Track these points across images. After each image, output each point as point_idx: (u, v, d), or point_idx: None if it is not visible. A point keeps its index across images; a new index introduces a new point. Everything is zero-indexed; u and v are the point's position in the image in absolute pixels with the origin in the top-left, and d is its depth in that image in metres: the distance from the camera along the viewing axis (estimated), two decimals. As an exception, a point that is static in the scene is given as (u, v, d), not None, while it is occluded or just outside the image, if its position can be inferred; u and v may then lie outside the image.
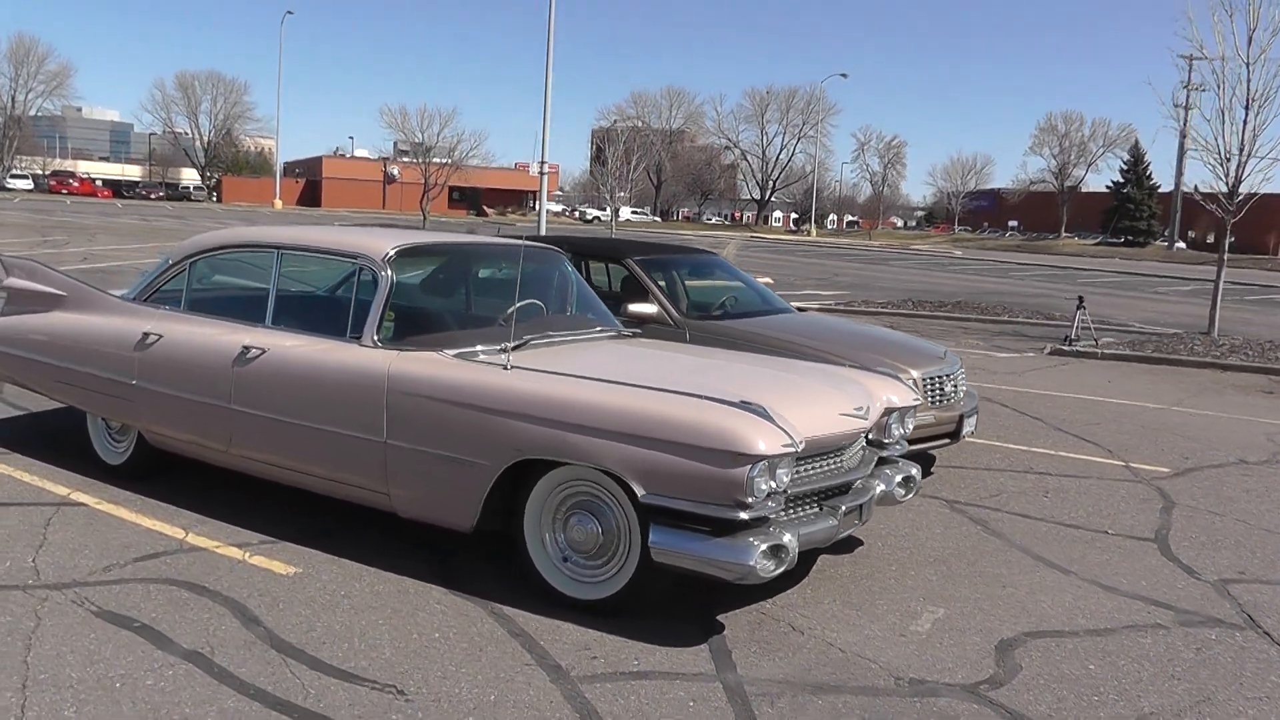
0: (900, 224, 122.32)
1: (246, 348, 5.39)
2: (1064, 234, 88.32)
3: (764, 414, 4.29)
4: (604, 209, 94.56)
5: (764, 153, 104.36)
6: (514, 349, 5.02)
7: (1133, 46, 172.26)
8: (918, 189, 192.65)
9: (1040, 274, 38.71)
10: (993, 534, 6.23)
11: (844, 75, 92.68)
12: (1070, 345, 14.69)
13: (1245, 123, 14.30)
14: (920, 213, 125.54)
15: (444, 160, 47.02)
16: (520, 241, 6.12)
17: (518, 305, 5.03)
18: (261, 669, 3.93)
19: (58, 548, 5.06)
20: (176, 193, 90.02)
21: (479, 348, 5.05)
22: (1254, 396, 12.07)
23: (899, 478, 5.27)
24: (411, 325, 5.17)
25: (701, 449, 4.16)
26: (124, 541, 5.20)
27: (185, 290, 5.98)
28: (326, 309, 5.81)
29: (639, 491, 4.26)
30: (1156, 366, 13.91)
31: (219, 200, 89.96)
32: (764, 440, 4.15)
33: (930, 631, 4.68)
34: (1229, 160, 14.54)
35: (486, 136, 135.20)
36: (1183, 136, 69.42)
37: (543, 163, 28.50)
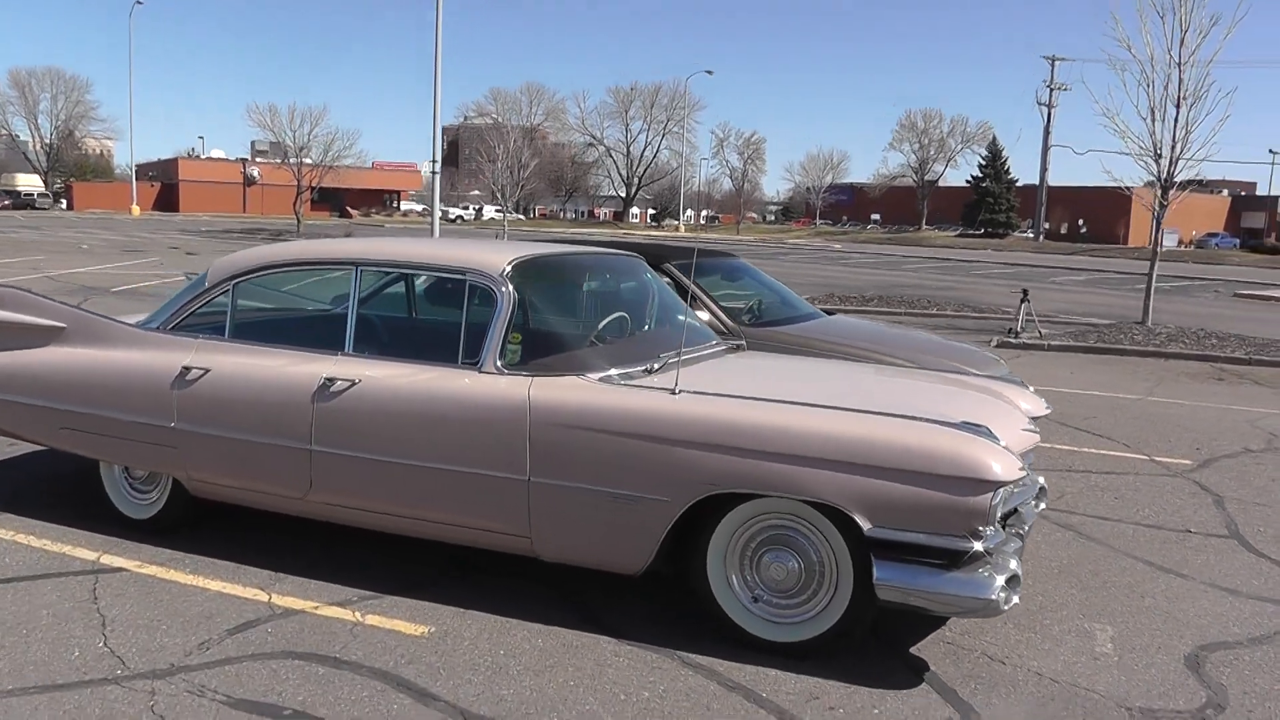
0: (760, 219, 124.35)
1: (330, 380, 4.70)
2: (924, 226, 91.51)
3: (992, 437, 3.95)
4: (466, 208, 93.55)
5: (629, 149, 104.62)
6: (658, 370, 4.55)
7: (991, 47, 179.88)
8: (774, 184, 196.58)
9: (931, 267, 39.60)
10: (1090, 540, 6.06)
11: (709, 72, 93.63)
12: (1016, 338, 14.87)
13: (1176, 120, 14.74)
14: (774, 207, 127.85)
15: (318, 161, 45.05)
16: (618, 251, 5.59)
17: (650, 322, 4.54)
18: (480, 756, 3.35)
19: (126, 626, 4.30)
20: (20, 200, 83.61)
21: (614, 371, 4.53)
22: (1210, 384, 12.39)
23: (1037, 491, 5.00)
24: (538, 348, 4.58)
25: (939, 477, 3.81)
26: (202, 611, 4.46)
27: (229, 316, 5.21)
28: (424, 333, 5.16)
29: (864, 525, 3.87)
30: (1103, 356, 14.19)
31: (70, 208, 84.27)
32: (1001, 465, 3.84)
33: (1116, 652, 4.46)
34: (1160, 157, 14.96)
35: (359, 136, 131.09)
36: (1046, 133, 73.38)
37: (435, 161, 27.52)
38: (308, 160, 44.70)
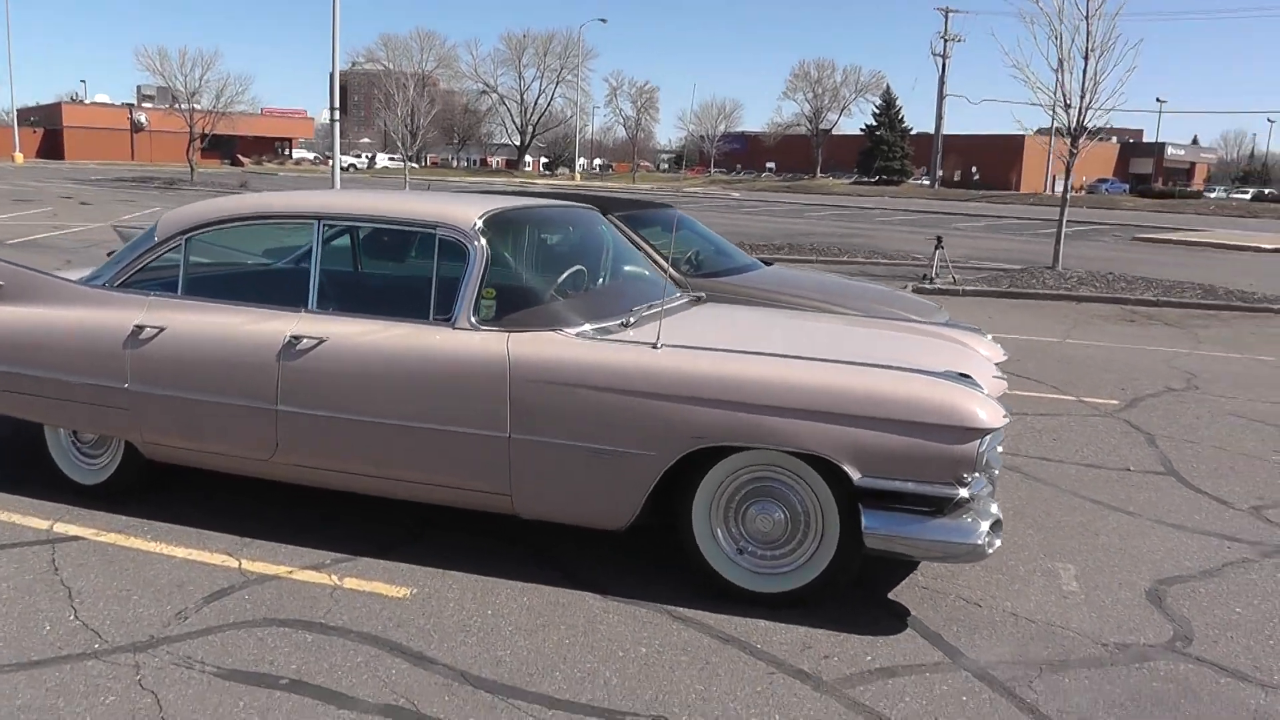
0: (654, 167, 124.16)
1: (295, 337, 4.54)
2: (819, 174, 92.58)
3: (976, 385, 4.03)
4: (359, 156, 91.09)
5: (522, 98, 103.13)
6: (634, 325, 4.52)
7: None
8: (667, 133, 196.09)
9: (833, 215, 40.10)
10: (1037, 481, 6.25)
11: (603, 20, 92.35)
12: (930, 284, 15.16)
13: (1085, 71, 15.09)
14: (666, 155, 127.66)
15: (210, 107, 43.13)
16: (576, 204, 5.49)
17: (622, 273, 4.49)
18: (492, 716, 3.31)
19: (95, 597, 4.12)
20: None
21: (590, 325, 4.46)
22: (1122, 325, 12.86)
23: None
24: (513, 303, 4.47)
25: (929, 426, 3.86)
26: (171, 579, 4.31)
27: (182, 272, 4.98)
28: (390, 288, 5.00)
29: (854, 475, 3.91)
30: (1018, 301, 14.59)
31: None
32: (987, 413, 3.92)
33: (1082, 590, 4.62)
34: (1070, 106, 15.32)
35: (252, 81, 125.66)
36: (941, 83, 74.50)
37: (333, 111, 26.65)
38: (199, 106, 42.83)
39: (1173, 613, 4.40)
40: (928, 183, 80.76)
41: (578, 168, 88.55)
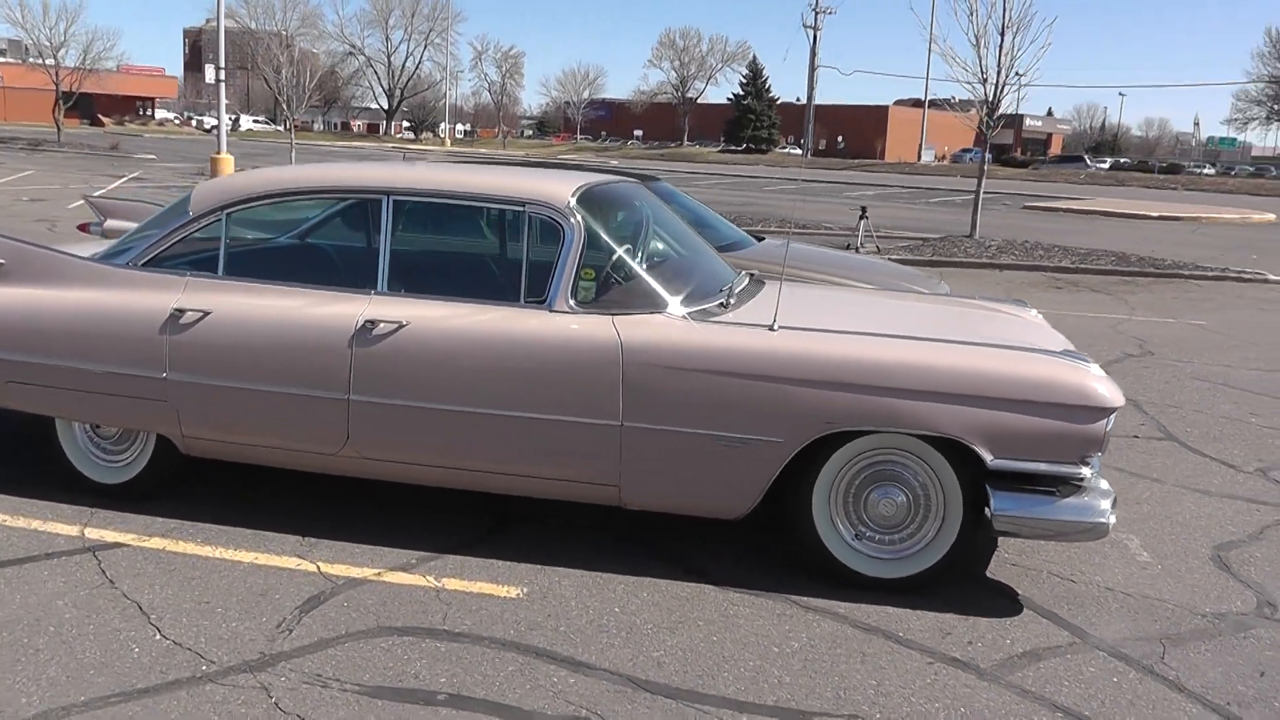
0: (518, 134, 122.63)
1: (371, 322, 4.20)
2: (686, 143, 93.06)
3: (1094, 364, 4.04)
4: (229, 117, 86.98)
5: (389, 60, 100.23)
6: (731, 305, 4.36)
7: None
8: (531, 99, 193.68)
9: (721, 184, 40.05)
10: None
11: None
12: (857, 253, 15.31)
13: (1001, 46, 15.42)
14: (528, 122, 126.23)
15: (78, 64, 40.30)
16: (631, 178, 5.24)
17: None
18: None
19: (173, 611, 3.74)
20: None
21: (692, 307, 4.26)
22: (1053, 293, 13.26)
23: None
24: (612, 284, 4.23)
25: (1060, 406, 3.85)
26: (249, 587, 3.95)
27: (223, 250, 4.55)
28: (471, 268, 4.66)
29: (986, 457, 3.85)
30: (943, 269, 14.83)
31: None
32: (1109, 391, 3.94)
33: (1155, 560, 4.70)
34: (986, 80, 15.66)
35: (120, 36, 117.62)
36: (812, 54, 75.52)
37: (219, 69, 25.19)
38: (65, 63, 40.00)
39: (1245, 578, 4.51)
40: (795, 151, 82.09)
41: (447, 132, 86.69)
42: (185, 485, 4.86)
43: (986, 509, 3.94)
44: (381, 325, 4.18)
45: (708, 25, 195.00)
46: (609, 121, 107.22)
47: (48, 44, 39.76)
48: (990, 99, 15.88)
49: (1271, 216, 29.37)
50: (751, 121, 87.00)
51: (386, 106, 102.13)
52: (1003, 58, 15.41)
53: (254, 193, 4.57)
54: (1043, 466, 3.88)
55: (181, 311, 4.40)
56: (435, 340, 4.14)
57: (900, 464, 4.07)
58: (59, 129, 40.42)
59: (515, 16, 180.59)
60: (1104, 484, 4.08)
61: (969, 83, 15.99)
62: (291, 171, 4.70)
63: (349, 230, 5.00)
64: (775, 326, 4.06)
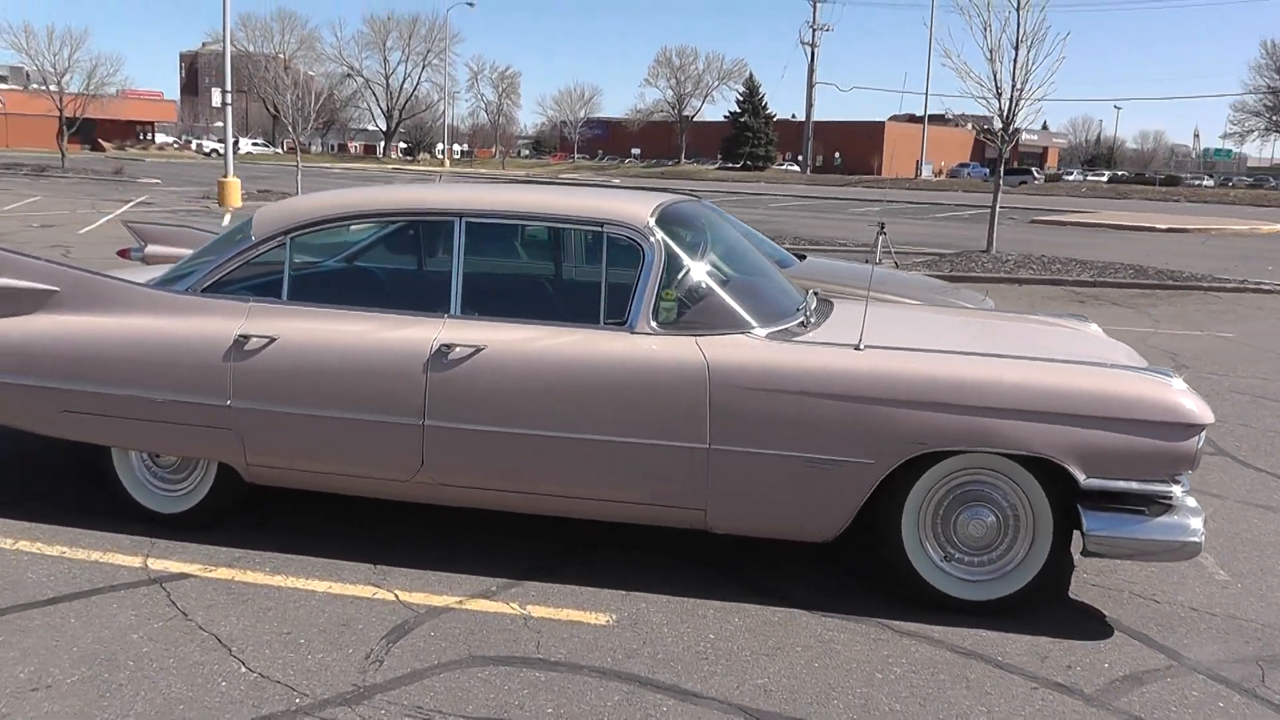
0: (516, 153, 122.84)
1: (447, 346, 4.13)
2: (683, 160, 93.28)
3: (1178, 379, 3.99)
4: (220, 141, 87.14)
5: (388, 82, 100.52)
6: (812, 324, 4.29)
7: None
8: (527, 118, 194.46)
9: (727, 202, 40.05)
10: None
11: (470, 4, 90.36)
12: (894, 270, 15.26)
13: (1015, 61, 15.42)
14: (524, 141, 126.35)
15: (82, 89, 40.25)
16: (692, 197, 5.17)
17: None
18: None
19: (254, 644, 3.65)
20: None
21: (772, 326, 4.20)
22: (1074, 306, 13.19)
23: None
24: (693, 304, 4.16)
25: (1152, 424, 3.79)
26: (329, 617, 3.86)
27: (287, 275, 4.47)
28: (546, 290, 4.59)
29: (1079, 477, 3.77)
30: (964, 285, 14.80)
31: None
32: (1199, 409, 3.86)
33: (1234, 579, 4.62)
34: (1001, 94, 15.63)
35: (123, 62, 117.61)
36: (810, 71, 75.94)
37: (225, 93, 25.25)
38: (70, 89, 39.96)
39: (1333, 596, 4.42)
40: (794, 168, 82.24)
41: (448, 153, 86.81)
42: (242, 514, 4.77)
43: (1079, 530, 3.87)
44: (458, 349, 4.10)
45: (704, 43, 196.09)
46: (605, 140, 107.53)
47: (52, 70, 39.75)
48: (1005, 113, 15.86)
49: (1279, 228, 29.41)
50: (749, 139, 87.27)
51: (385, 128, 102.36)
52: (1017, 72, 15.40)
53: (319, 216, 4.50)
54: (1134, 485, 3.82)
55: (246, 338, 4.32)
56: (515, 364, 4.06)
57: (989, 484, 4.00)
58: (63, 154, 40.34)
59: (511, 37, 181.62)
60: (1192, 502, 4.00)
61: (983, 97, 15.98)
62: (357, 194, 4.63)
63: (416, 253, 4.92)
64: (861, 346, 3.99)
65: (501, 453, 4.11)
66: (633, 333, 4.06)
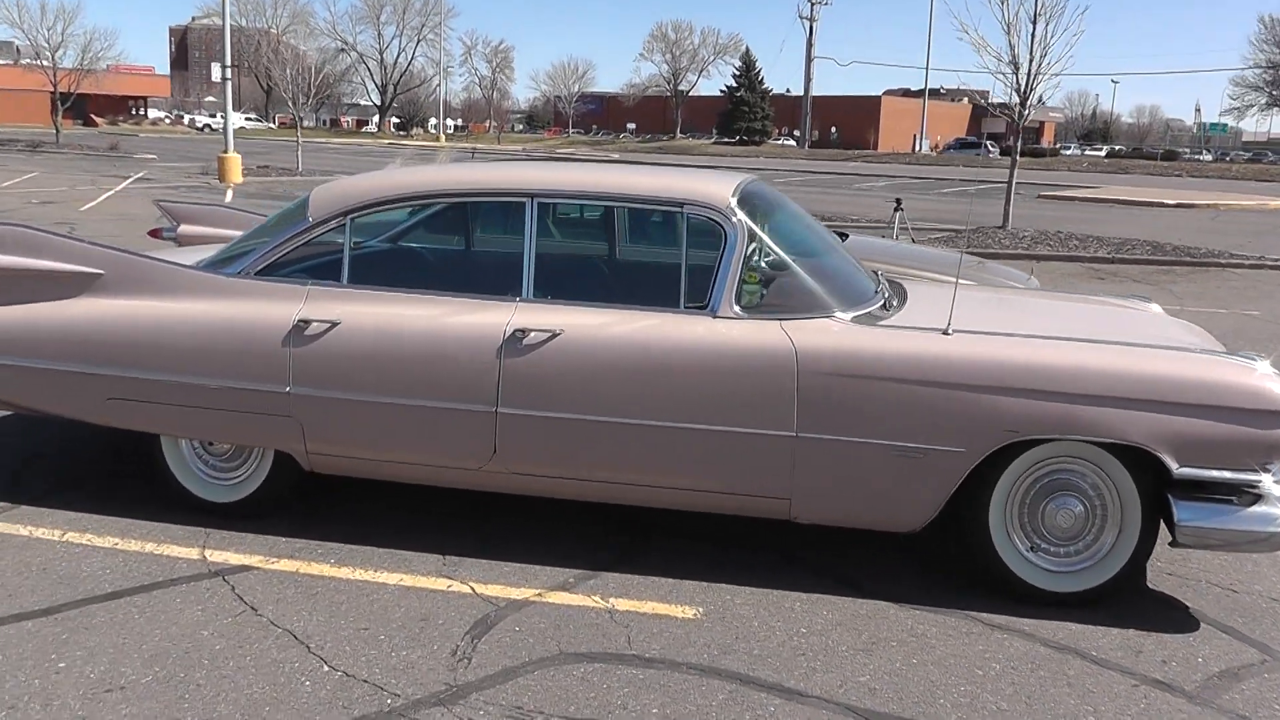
0: (511, 128, 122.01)
1: (521, 330, 4.00)
2: (679, 135, 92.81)
3: (1265, 362, 3.90)
4: (213, 115, 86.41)
5: (382, 56, 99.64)
6: (893, 308, 4.18)
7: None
8: (521, 93, 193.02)
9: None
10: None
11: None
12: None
13: (1034, 35, 15.24)
14: (517, 116, 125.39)
15: (76, 64, 39.75)
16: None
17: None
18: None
19: (332, 639, 3.54)
20: None
21: (856, 310, 4.09)
22: (1094, 283, 13.12)
23: None
24: (776, 287, 4.04)
25: (1243, 411, 3.69)
26: (408, 612, 3.74)
27: (346, 257, 4.32)
28: (622, 273, 4.45)
29: (1171, 465, 3.68)
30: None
31: None
32: None
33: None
34: (1019, 69, 15.46)
35: (118, 36, 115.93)
36: (809, 45, 75.36)
37: (225, 67, 24.90)
38: (63, 64, 39.46)
39: None
40: (790, 143, 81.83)
41: (443, 128, 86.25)
42: (295, 504, 4.64)
43: (1166, 520, 3.79)
44: (533, 334, 3.97)
45: (699, 18, 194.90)
46: (600, 115, 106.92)
47: (45, 45, 39.23)
48: (1022, 88, 15.68)
49: (1287, 203, 29.33)
50: (745, 113, 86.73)
51: (379, 103, 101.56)
52: (1035, 46, 15.22)
53: (381, 197, 4.35)
54: (1226, 474, 3.72)
55: (306, 322, 4.18)
56: (593, 348, 3.93)
57: (1075, 473, 3.91)
58: (58, 130, 39.87)
59: (504, 10, 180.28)
60: (1279, 490, 3.89)
61: (1000, 73, 15.79)
62: (420, 174, 4.47)
63: (482, 234, 4.78)
64: (949, 330, 3.87)
65: (578, 440, 3.99)
66: (715, 316, 3.94)
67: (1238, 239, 18.70)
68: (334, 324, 4.17)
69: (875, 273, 4.85)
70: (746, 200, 4.15)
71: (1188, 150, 77.55)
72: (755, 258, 4.04)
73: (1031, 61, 15.32)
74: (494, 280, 4.21)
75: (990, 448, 3.75)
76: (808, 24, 73.74)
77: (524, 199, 4.18)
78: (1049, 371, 3.73)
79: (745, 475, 3.91)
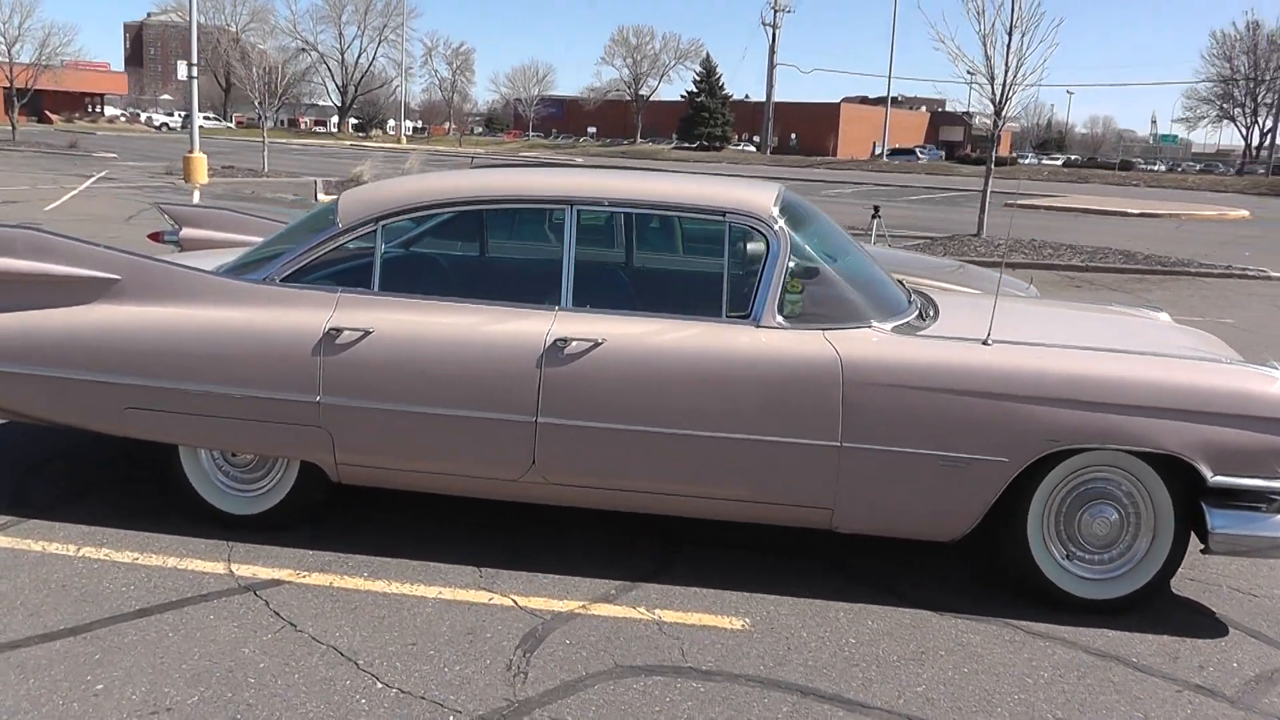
0: (470, 130, 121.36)
1: (562, 340, 3.97)
2: (640, 140, 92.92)
3: None
4: (171, 114, 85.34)
5: (343, 57, 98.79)
6: (930, 317, 4.20)
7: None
8: (480, 95, 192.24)
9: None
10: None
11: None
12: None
13: (1009, 47, 15.41)
14: (475, 119, 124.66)
15: (34, 60, 38.99)
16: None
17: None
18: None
19: (380, 655, 3.48)
20: None
21: (895, 320, 4.12)
22: (1072, 291, 13.32)
23: None
24: (817, 297, 4.05)
25: (1275, 420, 3.77)
26: (454, 626, 3.69)
27: (378, 264, 4.27)
28: (660, 281, 4.43)
29: (1207, 474, 3.75)
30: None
31: None
32: None
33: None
34: (995, 79, 15.63)
35: (77, 31, 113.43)
36: (771, 52, 75.73)
37: (191, 65, 24.50)
38: (20, 59, 38.67)
39: None
40: (750, 149, 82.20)
41: (397, 129, 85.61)
42: (319, 515, 4.57)
43: (1197, 527, 3.86)
44: (575, 343, 3.94)
45: (661, 23, 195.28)
46: (560, 119, 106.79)
47: (1, 39, 38.44)
48: (998, 98, 15.87)
49: (1245, 213, 29.89)
50: (705, 119, 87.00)
51: (340, 103, 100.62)
52: (1010, 57, 15.40)
53: (414, 203, 4.30)
54: (1257, 482, 3.79)
55: (338, 330, 4.12)
56: (636, 358, 3.92)
57: (1110, 481, 3.97)
58: (14, 127, 39.10)
59: (465, 12, 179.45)
60: None
61: (976, 82, 15.96)
62: (454, 180, 4.42)
63: (518, 241, 4.75)
64: (989, 340, 3.90)
65: (620, 450, 3.97)
66: (758, 326, 3.94)
67: (1203, 248, 19.04)
68: (367, 332, 4.11)
69: (901, 282, 4.88)
70: (787, 210, 4.16)
71: (1141, 160, 78.86)
72: (795, 267, 4.04)
73: (1007, 72, 15.50)
74: (531, 288, 4.18)
75: (1032, 457, 3.79)
76: (770, 31, 74.13)
77: (564, 206, 4.15)
78: (1092, 382, 3.77)
79: (788, 485, 3.92)
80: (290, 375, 4.15)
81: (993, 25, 15.27)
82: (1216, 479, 3.78)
